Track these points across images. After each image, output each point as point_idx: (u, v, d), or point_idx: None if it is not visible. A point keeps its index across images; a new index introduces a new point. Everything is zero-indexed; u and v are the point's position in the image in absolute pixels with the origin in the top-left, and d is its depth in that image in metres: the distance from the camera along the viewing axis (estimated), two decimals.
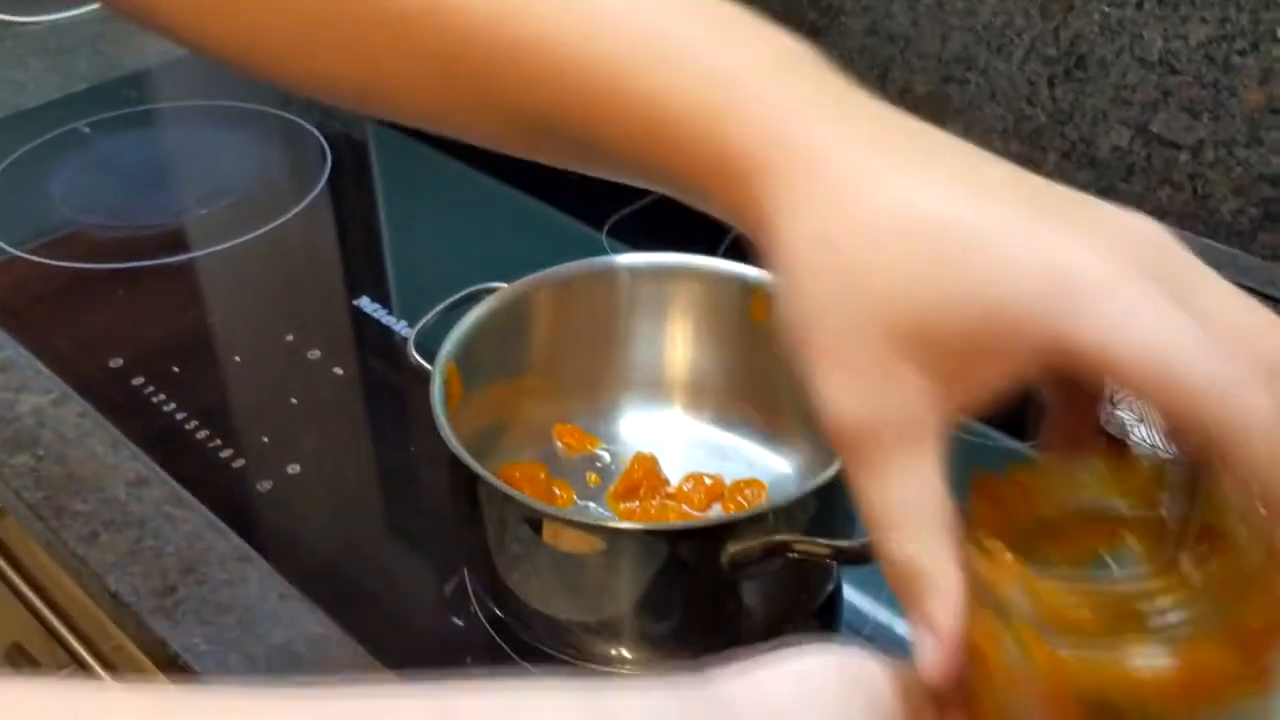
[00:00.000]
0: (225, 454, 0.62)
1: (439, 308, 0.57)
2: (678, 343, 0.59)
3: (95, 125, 0.91)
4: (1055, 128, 0.83)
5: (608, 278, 0.58)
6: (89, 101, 0.95)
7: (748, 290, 0.58)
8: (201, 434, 0.63)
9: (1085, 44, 0.79)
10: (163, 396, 0.65)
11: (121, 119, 0.93)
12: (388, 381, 0.67)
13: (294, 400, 0.66)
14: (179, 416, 0.64)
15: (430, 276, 0.76)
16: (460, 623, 0.53)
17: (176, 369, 0.67)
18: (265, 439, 0.63)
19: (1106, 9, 0.77)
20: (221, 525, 0.58)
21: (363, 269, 0.77)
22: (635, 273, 0.58)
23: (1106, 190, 0.82)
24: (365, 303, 0.73)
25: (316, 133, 0.91)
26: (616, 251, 0.72)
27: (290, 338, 0.70)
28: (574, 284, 0.58)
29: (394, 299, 0.73)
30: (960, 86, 0.87)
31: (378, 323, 0.71)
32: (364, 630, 0.53)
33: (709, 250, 0.61)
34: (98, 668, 0.63)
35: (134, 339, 0.70)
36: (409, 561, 0.57)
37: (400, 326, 0.70)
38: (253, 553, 0.57)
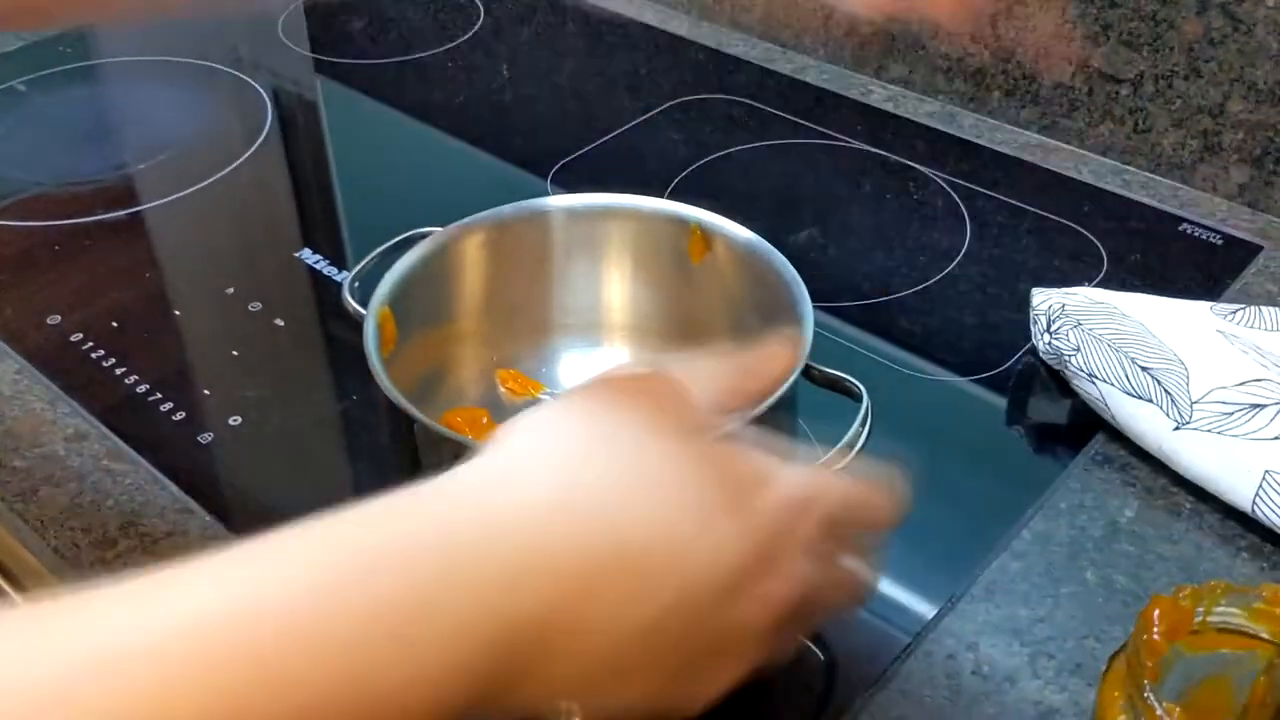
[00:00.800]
0: (165, 408, 0.61)
1: (374, 253, 0.57)
2: (615, 284, 0.59)
3: (32, 84, 0.90)
4: (998, 65, 0.83)
5: (542, 219, 0.58)
6: (24, 59, 0.93)
7: (685, 230, 0.58)
8: (141, 388, 0.63)
9: None
10: (102, 353, 0.65)
11: (59, 76, 0.92)
12: (328, 332, 0.67)
13: (235, 353, 0.65)
14: (118, 372, 0.63)
15: (373, 228, 0.75)
16: None
17: (115, 324, 0.67)
18: (206, 391, 0.62)
19: None
20: (162, 478, 0.58)
21: (305, 221, 0.77)
22: (571, 214, 0.58)
23: (1050, 126, 0.82)
24: (307, 254, 0.72)
25: (258, 86, 0.90)
26: None
27: (231, 290, 0.69)
28: (508, 226, 0.57)
29: (337, 250, 0.73)
30: (903, 28, 0.86)
31: (319, 274, 0.71)
32: None
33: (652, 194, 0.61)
34: None
35: (71, 296, 0.69)
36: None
37: (341, 277, 0.70)
38: (193, 504, 0.56)
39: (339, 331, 0.66)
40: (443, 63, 0.94)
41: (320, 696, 0.28)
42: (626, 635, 0.32)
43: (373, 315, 0.52)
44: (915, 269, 0.72)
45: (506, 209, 0.57)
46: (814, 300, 0.57)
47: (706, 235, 0.58)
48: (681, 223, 0.58)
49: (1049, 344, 0.61)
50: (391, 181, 0.81)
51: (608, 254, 0.58)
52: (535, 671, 0.31)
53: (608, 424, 0.35)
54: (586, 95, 0.90)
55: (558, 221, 0.58)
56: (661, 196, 0.77)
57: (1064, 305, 0.61)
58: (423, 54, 0.94)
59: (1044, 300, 0.62)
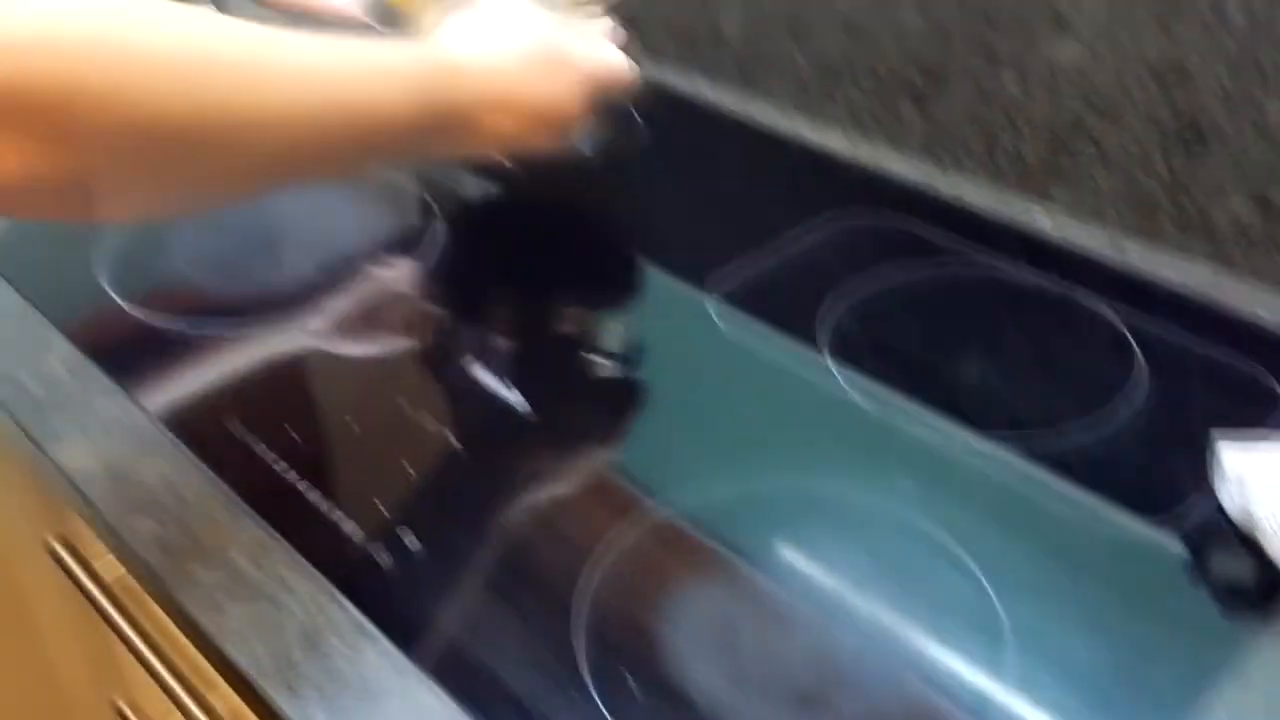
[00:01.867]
0: (346, 527, 0.63)
1: None
2: None
3: None
4: (1170, 198, 0.82)
5: None
6: None
7: None
8: (322, 504, 0.64)
9: (1204, 115, 0.78)
10: (283, 465, 0.67)
11: None
12: (505, 455, 0.68)
13: (410, 470, 0.66)
14: (300, 486, 0.65)
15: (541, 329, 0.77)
16: (575, 695, 0.54)
17: (295, 436, 0.69)
18: (383, 509, 0.64)
19: (1226, 81, 0.76)
20: (340, 598, 0.59)
21: (474, 336, 0.78)
22: None
23: (1224, 261, 0.80)
24: (479, 370, 0.74)
25: (427, 196, 0.92)
26: None
27: (404, 404, 0.71)
28: None
29: (509, 366, 0.74)
30: (1071, 156, 0.86)
31: (490, 391, 0.72)
32: (483, 709, 0.53)
33: None
34: None
35: (255, 404, 0.72)
36: (527, 640, 0.57)
37: (516, 400, 0.71)
38: (372, 627, 0.57)
39: (512, 455, 0.68)
40: (601, 168, 0.96)
41: (348, 105, 0.59)
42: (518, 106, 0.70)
43: None
44: (1080, 403, 0.70)
45: None
46: (975, 429, 0.64)
47: None
48: None
49: (1238, 502, 0.59)
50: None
51: None
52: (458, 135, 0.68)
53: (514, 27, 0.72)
54: (744, 207, 0.91)
55: None
56: (826, 322, 0.77)
57: (1257, 463, 0.59)
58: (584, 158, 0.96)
59: (1232, 453, 0.60)
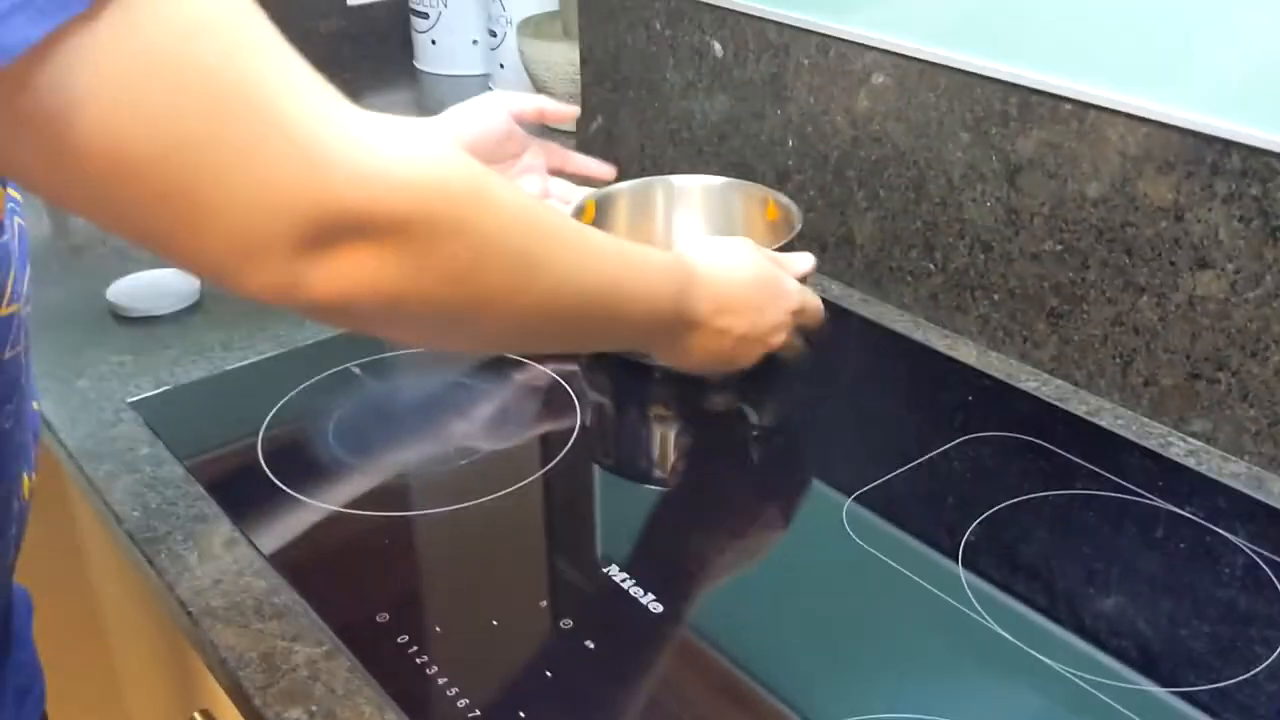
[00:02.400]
0: None
1: None
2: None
3: (365, 366, 0.99)
4: None
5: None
6: (359, 342, 1.03)
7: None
8: (462, 702, 0.66)
9: None
10: (425, 658, 0.68)
11: (388, 362, 1.00)
12: (638, 659, 0.69)
13: (549, 673, 0.68)
14: (440, 681, 0.67)
15: (671, 534, 0.79)
16: None
17: (438, 628, 0.71)
18: (521, 714, 0.65)
19: None
20: None
21: (613, 536, 0.80)
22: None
23: None
24: (614, 571, 0.75)
25: (569, 389, 0.96)
26: None
27: (544, 604, 0.73)
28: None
29: (642, 569, 0.76)
30: (1209, 384, 0.86)
31: (626, 593, 0.73)
32: None
33: None
34: None
35: (398, 593, 0.74)
36: None
37: (648, 599, 0.73)
38: None
39: (649, 658, 0.69)
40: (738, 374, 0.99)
41: (626, 287, 0.69)
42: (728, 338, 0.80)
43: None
44: (1228, 652, 0.69)
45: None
46: (1119, 673, 0.65)
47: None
48: None
49: None
50: None
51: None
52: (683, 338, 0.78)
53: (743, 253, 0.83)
54: (877, 418, 0.92)
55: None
56: (959, 543, 0.78)
57: None
58: None
59: None
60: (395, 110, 0.62)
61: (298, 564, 0.77)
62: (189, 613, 0.73)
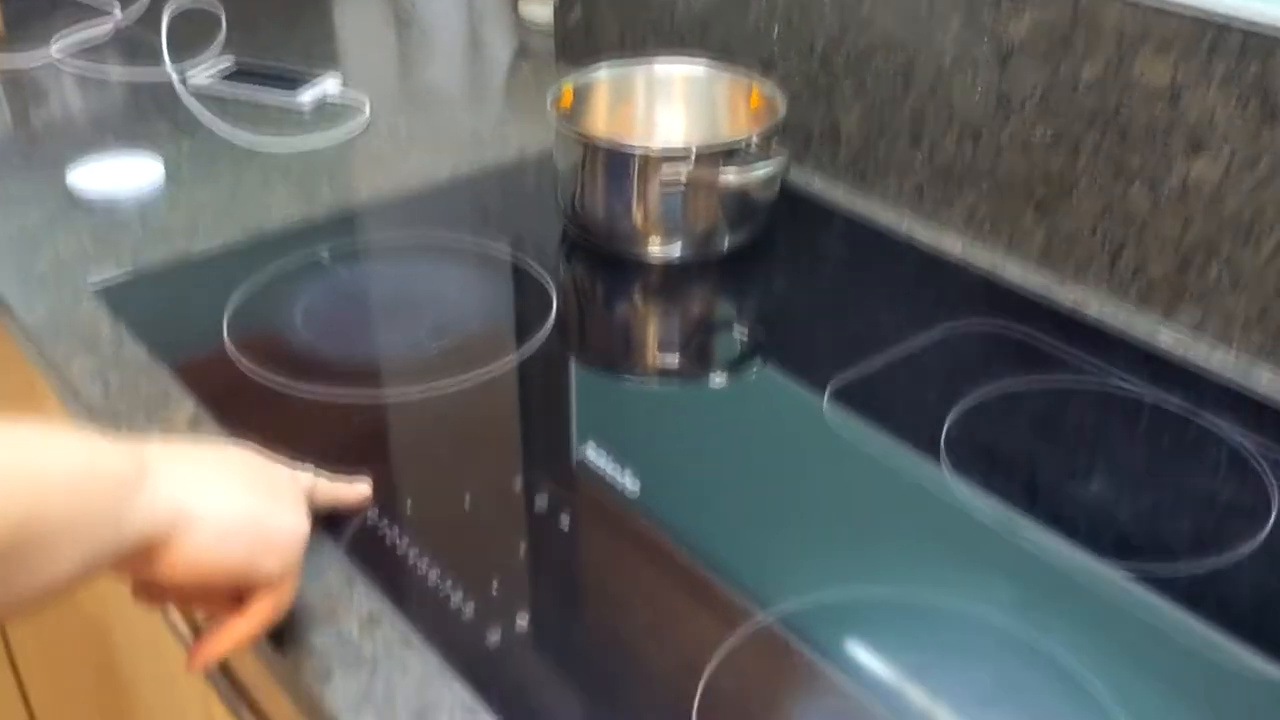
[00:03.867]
0: (455, 599, 0.62)
1: None
2: None
3: (334, 253, 0.96)
4: None
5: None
6: (329, 229, 0.99)
7: None
8: (432, 576, 0.64)
9: None
10: (398, 536, 0.67)
11: (358, 249, 0.97)
12: (613, 539, 0.67)
13: (522, 548, 0.66)
14: (411, 556, 0.65)
15: (652, 424, 0.77)
16: None
17: (410, 508, 0.69)
18: (495, 586, 0.63)
19: None
20: (449, 675, 0.58)
21: (589, 418, 0.78)
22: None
23: None
24: (590, 453, 0.73)
25: (545, 277, 0.93)
26: None
27: (519, 484, 0.71)
28: None
29: (618, 449, 0.74)
30: (1199, 273, 0.85)
31: (602, 476, 0.72)
32: None
33: None
34: None
35: (370, 473, 0.72)
36: None
37: (625, 480, 0.71)
38: (480, 708, 0.57)
39: (623, 539, 0.67)
40: (720, 266, 0.96)
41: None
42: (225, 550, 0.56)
43: None
44: (1212, 537, 0.68)
45: None
46: (1101, 558, 0.62)
47: None
48: None
49: None
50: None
51: None
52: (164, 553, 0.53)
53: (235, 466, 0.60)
54: (859, 309, 0.90)
55: None
56: (940, 429, 0.76)
57: None
58: (705, 253, 0.96)
59: None
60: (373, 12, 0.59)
61: (261, 443, 0.74)
62: None
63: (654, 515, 0.69)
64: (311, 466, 0.67)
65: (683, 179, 0.91)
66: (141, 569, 0.54)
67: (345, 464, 0.72)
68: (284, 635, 0.61)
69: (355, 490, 0.69)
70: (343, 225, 1.01)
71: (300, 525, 0.59)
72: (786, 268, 0.97)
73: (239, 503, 0.57)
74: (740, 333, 0.90)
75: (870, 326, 0.88)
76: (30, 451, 0.48)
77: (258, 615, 0.58)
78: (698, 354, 0.87)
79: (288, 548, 0.58)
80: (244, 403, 0.78)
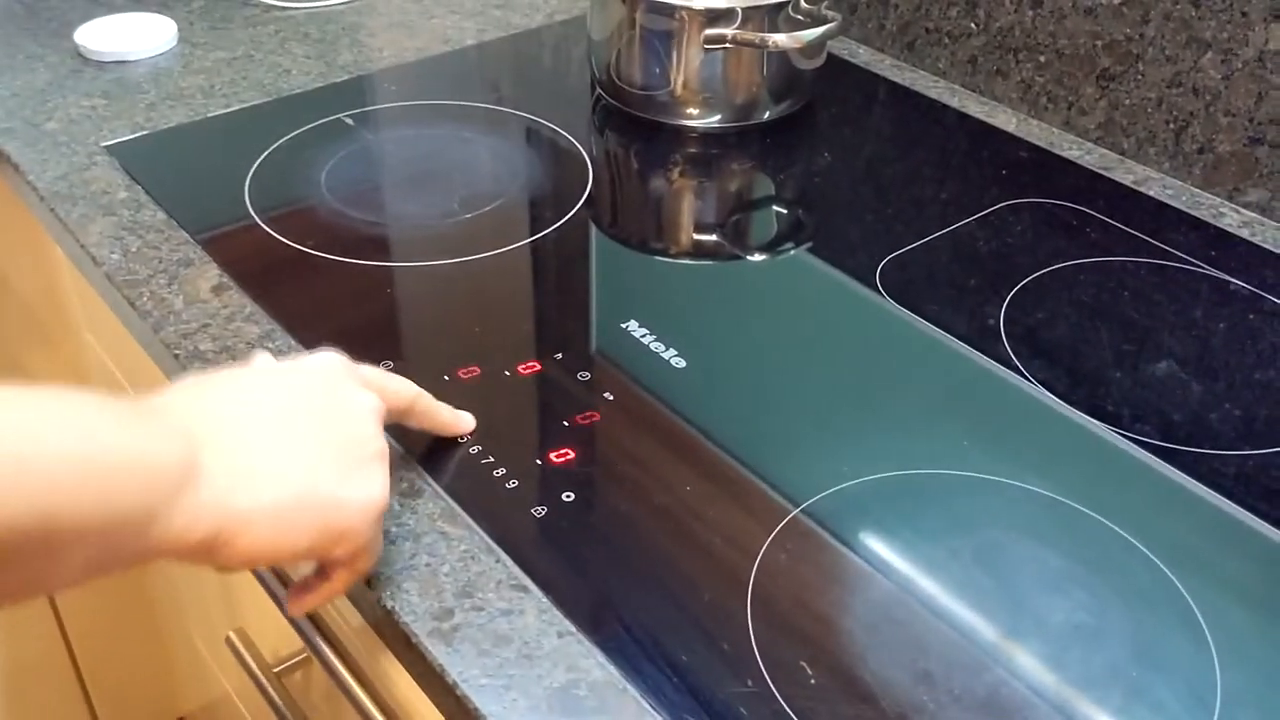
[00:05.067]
0: (498, 473, 0.60)
1: None
2: None
3: (358, 117, 0.91)
4: None
5: None
6: (351, 94, 0.95)
7: None
8: (474, 449, 0.61)
9: None
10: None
11: (383, 113, 0.93)
12: (660, 415, 0.64)
13: (564, 423, 0.63)
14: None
15: (693, 299, 0.74)
16: (740, 667, 0.50)
17: (446, 378, 0.66)
18: (538, 462, 0.61)
19: None
20: (496, 548, 0.56)
21: (628, 293, 0.75)
22: None
23: None
24: (634, 326, 0.70)
25: (578, 147, 0.89)
26: None
27: (560, 357, 0.68)
28: None
29: (662, 325, 0.71)
30: (1271, 149, 0.80)
31: (647, 348, 0.68)
32: (648, 680, 0.50)
33: None
34: (359, 692, 0.61)
35: (406, 341, 0.69)
36: (688, 603, 0.54)
37: (670, 355, 0.68)
38: (528, 581, 0.54)
39: (669, 416, 0.64)
40: (761, 138, 0.92)
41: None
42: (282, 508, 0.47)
43: None
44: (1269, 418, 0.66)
45: None
46: (1164, 442, 0.61)
47: None
48: None
49: None
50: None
51: None
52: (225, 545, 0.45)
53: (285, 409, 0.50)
54: (908, 186, 0.86)
55: None
56: (1000, 308, 0.73)
57: None
58: (745, 123, 0.92)
59: None
60: None
61: (291, 311, 0.71)
62: (176, 355, 0.68)
63: (699, 395, 0.66)
64: (401, 381, 0.58)
65: (727, 39, 0.86)
66: (188, 560, 0.46)
67: (375, 335, 0.69)
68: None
69: (458, 421, 0.62)
70: (365, 89, 0.96)
71: (373, 493, 0.50)
72: (831, 142, 0.92)
73: (300, 482, 0.47)
74: (783, 209, 0.86)
75: (920, 204, 0.84)
76: (40, 429, 0.39)
77: (338, 581, 0.52)
78: (738, 230, 0.83)
79: (359, 526, 0.49)
80: (269, 268, 0.75)
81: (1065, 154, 0.89)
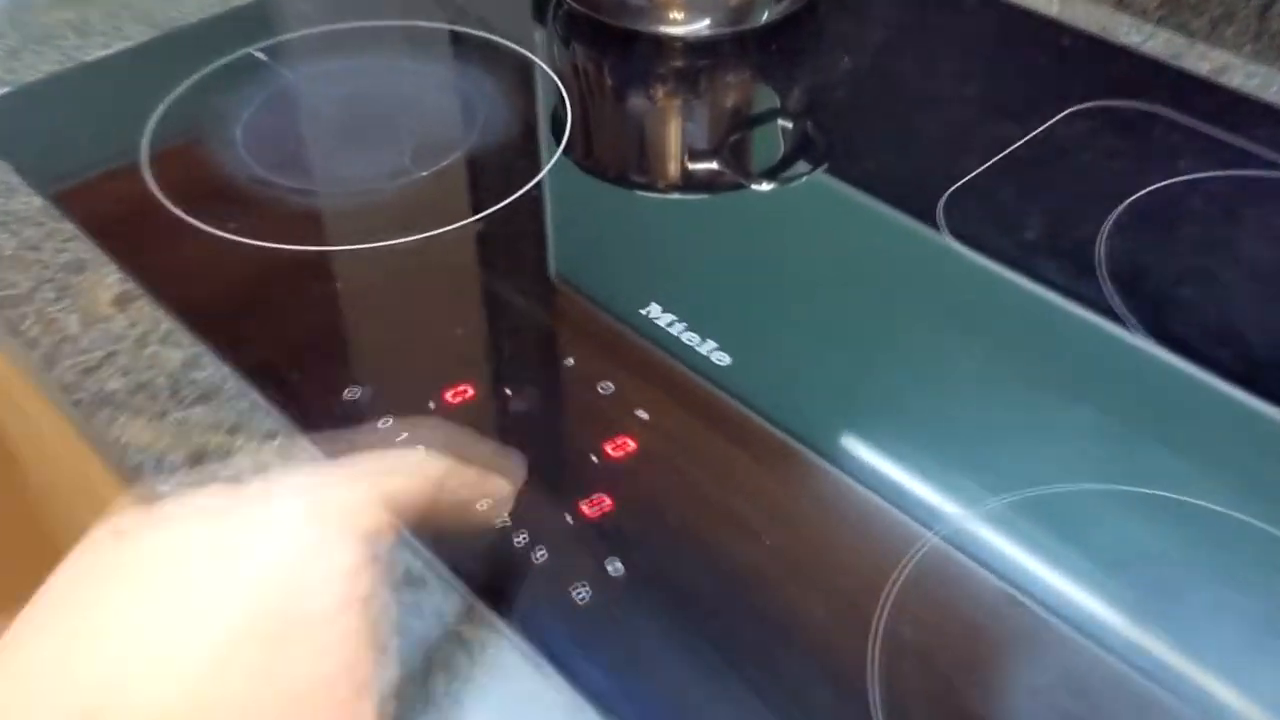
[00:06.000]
0: (519, 539, 0.46)
1: None
2: None
3: (272, 51, 0.75)
4: None
5: None
6: (260, 21, 0.78)
7: None
8: (482, 504, 0.47)
9: None
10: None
11: (302, 42, 0.76)
12: (710, 436, 0.51)
13: (593, 457, 0.50)
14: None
15: (725, 273, 0.59)
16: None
17: (431, 404, 0.52)
18: (567, 518, 0.47)
19: None
20: (537, 656, 0.43)
21: (648, 268, 0.60)
22: None
23: None
24: (657, 312, 0.56)
25: (547, 70, 0.73)
26: None
27: (571, 363, 0.54)
28: None
29: (687, 306, 0.57)
30: None
31: (678, 340, 0.55)
32: None
33: None
34: None
35: (370, 356, 0.54)
36: (806, 694, 0.41)
37: (709, 348, 0.54)
38: (590, 708, 0.41)
39: (722, 434, 0.51)
40: (766, 44, 0.77)
41: None
42: None
43: None
44: None
45: None
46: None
47: None
48: None
49: None
50: None
51: None
52: None
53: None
54: (943, 96, 0.72)
55: None
56: (1093, 243, 0.60)
57: None
58: (741, 29, 0.77)
59: None
60: None
61: (219, 323, 0.56)
62: (77, 402, 0.52)
63: (755, 398, 0.52)
64: (416, 461, 0.39)
65: None
66: None
67: (328, 350, 0.55)
68: None
69: (499, 483, 0.42)
70: (275, 13, 0.79)
71: (335, 672, 0.32)
72: (844, 44, 0.78)
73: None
74: (800, 129, 0.72)
75: (963, 118, 0.70)
76: None
77: None
78: (759, 162, 0.69)
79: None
80: (185, 265, 0.59)
81: (1122, 41, 0.75)
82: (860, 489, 0.48)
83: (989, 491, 0.48)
